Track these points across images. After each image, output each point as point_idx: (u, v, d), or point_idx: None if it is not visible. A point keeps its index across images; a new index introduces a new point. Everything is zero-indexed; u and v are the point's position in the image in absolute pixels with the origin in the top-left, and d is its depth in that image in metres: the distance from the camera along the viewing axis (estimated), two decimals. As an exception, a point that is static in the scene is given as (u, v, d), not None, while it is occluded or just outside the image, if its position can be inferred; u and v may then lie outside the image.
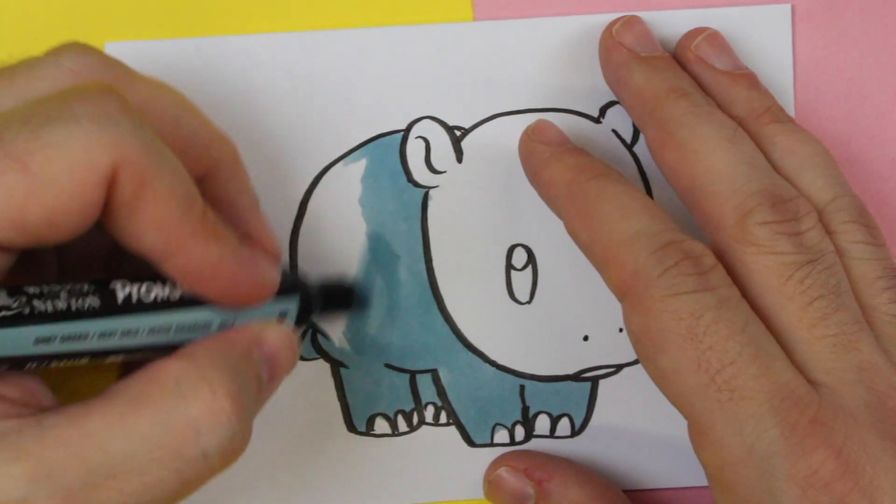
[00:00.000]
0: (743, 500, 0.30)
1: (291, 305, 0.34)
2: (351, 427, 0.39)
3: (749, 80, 0.37)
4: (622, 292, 0.32)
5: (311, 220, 0.38)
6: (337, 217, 0.39)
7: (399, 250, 0.39)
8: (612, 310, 0.39)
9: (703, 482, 0.38)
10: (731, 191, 0.33)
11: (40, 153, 0.26)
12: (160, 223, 0.28)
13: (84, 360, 0.29)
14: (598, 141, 0.38)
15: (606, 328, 0.39)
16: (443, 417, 0.39)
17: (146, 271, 0.30)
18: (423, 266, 0.39)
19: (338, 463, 0.39)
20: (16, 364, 0.28)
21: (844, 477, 0.29)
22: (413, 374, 0.39)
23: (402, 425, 0.39)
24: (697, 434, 0.31)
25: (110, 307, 0.29)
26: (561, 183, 0.35)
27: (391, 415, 0.39)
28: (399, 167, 0.38)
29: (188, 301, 0.31)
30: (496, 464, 0.39)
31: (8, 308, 0.27)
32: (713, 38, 0.37)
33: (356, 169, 0.38)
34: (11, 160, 0.26)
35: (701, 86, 0.37)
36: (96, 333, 0.29)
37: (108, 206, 0.28)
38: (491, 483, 0.39)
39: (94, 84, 0.29)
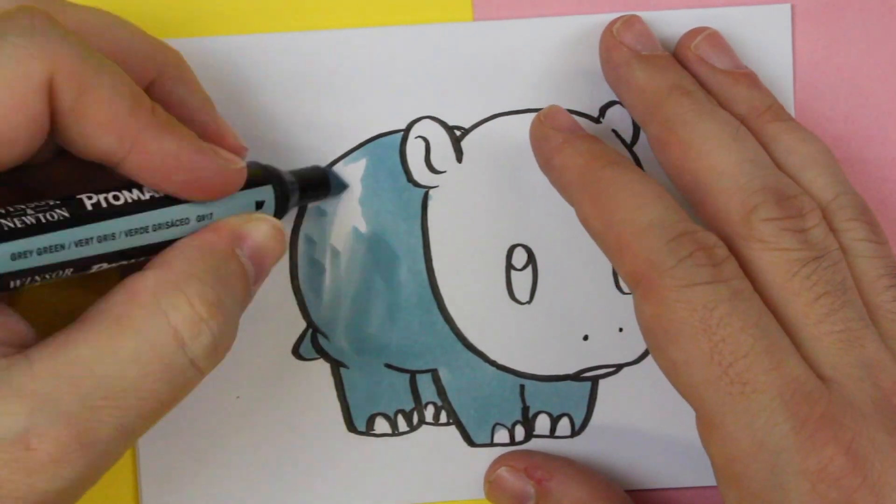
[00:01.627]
0: (751, 494, 0.30)
1: (267, 195, 0.34)
2: (351, 427, 0.39)
3: (749, 79, 0.37)
4: (635, 281, 0.32)
5: (311, 219, 0.38)
6: (337, 217, 0.38)
7: (399, 250, 0.39)
8: (612, 309, 0.39)
9: (704, 482, 0.39)
10: (736, 188, 0.33)
11: None
12: (109, 122, 0.29)
13: (68, 272, 0.29)
14: (599, 141, 0.39)
15: (606, 328, 0.39)
16: (443, 417, 0.39)
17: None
18: (423, 266, 0.39)
19: (338, 463, 0.39)
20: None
21: (853, 472, 0.29)
22: (413, 374, 0.39)
23: (402, 425, 0.39)
24: (706, 427, 0.31)
25: (81, 216, 0.29)
26: (574, 169, 0.35)
27: (391, 414, 0.39)
28: (399, 167, 0.38)
29: (159, 200, 0.31)
30: (496, 464, 0.39)
31: None
32: (713, 37, 0.37)
33: (356, 169, 0.38)
34: None
35: (701, 85, 0.37)
36: (72, 242, 0.29)
37: (54, 116, 0.29)
38: (491, 483, 0.38)
39: (17, 6, 0.29)
